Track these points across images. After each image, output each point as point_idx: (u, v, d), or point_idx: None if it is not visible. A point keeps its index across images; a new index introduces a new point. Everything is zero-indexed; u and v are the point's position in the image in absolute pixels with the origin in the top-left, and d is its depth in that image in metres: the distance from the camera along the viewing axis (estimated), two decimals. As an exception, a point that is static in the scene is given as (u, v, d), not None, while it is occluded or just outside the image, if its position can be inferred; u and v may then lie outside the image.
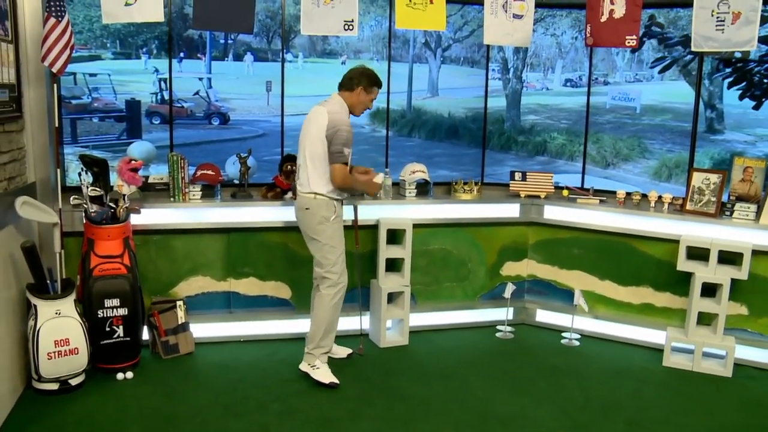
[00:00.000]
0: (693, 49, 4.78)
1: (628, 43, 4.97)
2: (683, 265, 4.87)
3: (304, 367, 4.42)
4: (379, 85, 4.40)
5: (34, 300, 4.02)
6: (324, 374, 4.35)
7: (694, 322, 4.82)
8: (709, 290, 4.83)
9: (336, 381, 4.31)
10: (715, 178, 4.97)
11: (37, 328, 3.96)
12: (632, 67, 5.58)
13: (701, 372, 4.76)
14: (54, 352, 3.99)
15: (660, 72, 5.42)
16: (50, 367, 3.99)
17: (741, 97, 5.14)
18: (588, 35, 5.12)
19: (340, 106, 4.30)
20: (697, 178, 5.03)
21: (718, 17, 4.60)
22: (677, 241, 4.92)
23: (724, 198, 4.97)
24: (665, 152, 5.47)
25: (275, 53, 5.28)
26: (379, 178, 4.65)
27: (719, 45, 4.67)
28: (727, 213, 4.90)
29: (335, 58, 5.42)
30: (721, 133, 5.25)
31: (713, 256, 4.74)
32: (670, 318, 5.12)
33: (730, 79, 5.17)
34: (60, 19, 4.18)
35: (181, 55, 5.09)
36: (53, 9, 4.15)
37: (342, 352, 4.76)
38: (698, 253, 4.85)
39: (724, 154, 5.24)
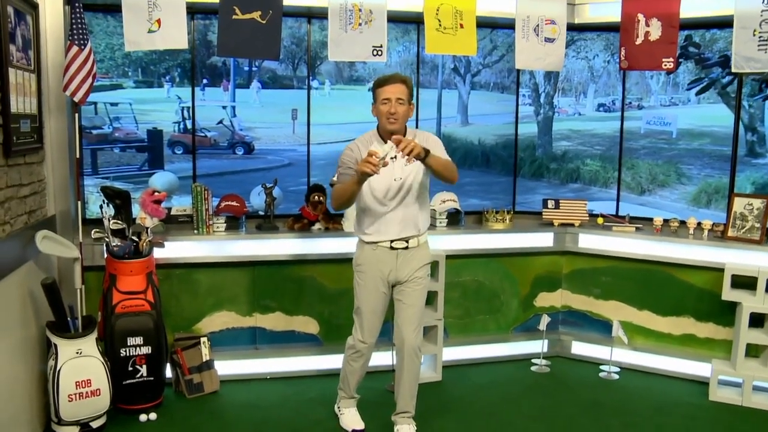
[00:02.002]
0: (734, 70, 4.61)
1: (665, 66, 4.82)
2: (728, 294, 4.66)
3: (336, 408, 4.25)
4: (379, 84, 3.72)
5: (54, 339, 3.85)
6: (347, 421, 4.13)
7: (743, 355, 4.60)
8: (757, 320, 4.63)
9: (359, 427, 4.08)
10: (758, 203, 4.78)
11: (57, 369, 3.79)
12: (667, 91, 5.42)
13: (752, 407, 4.52)
14: (75, 394, 3.81)
15: (697, 94, 5.26)
16: (71, 409, 3.81)
17: (782, 120, 4.98)
18: (623, 58, 4.97)
19: (369, 132, 3.89)
20: (739, 204, 4.85)
21: (760, 37, 4.44)
22: (719, 269, 4.73)
23: (769, 224, 4.77)
24: (704, 177, 5.29)
25: (301, 80, 5.15)
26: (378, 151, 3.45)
27: (762, 66, 4.50)
28: (773, 239, 4.72)
29: (362, 85, 5.28)
30: (763, 156, 5.07)
31: (761, 285, 4.54)
32: (713, 349, 4.91)
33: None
34: (82, 47, 4.08)
35: (204, 82, 4.97)
36: (76, 37, 4.05)
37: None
38: (743, 282, 4.65)
39: (767, 179, 5.04)
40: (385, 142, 3.58)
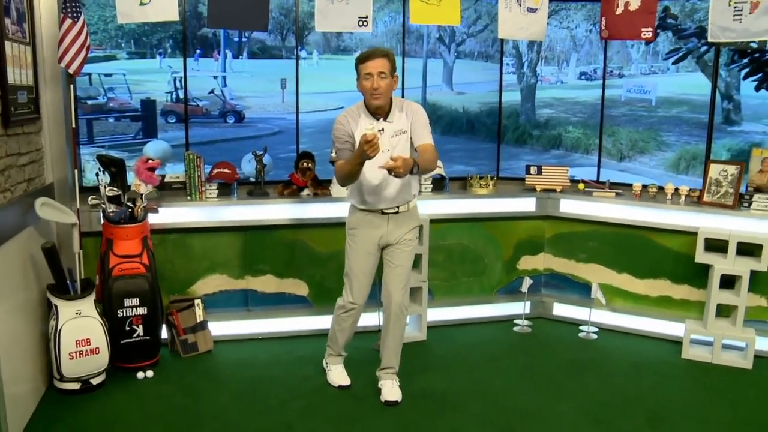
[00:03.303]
0: (710, 40, 4.74)
1: (644, 35, 4.94)
2: (701, 257, 4.83)
3: (324, 363, 4.44)
4: (361, 60, 3.78)
5: (54, 300, 4.03)
6: (333, 377, 4.32)
7: (713, 315, 4.79)
8: (728, 282, 4.81)
9: (345, 383, 4.28)
10: (732, 169, 4.93)
11: (58, 329, 3.97)
12: (647, 60, 5.54)
13: (721, 364, 4.73)
14: (75, 352, 4.00)
15: (674, 63, 5.38)
16: (72, 366, 4.01)
17: (757, 88, 5.10)
18: (603, 28, 5.10)
19: (356, 105, 3.97)
20: (715, 170, 4.99)
21: (736, 7, 4.56)
22: (695, 233, 4.88)
23: (743, 189, 4.92)
24: (682, 144, 5.43)
25: (289, 50, 5.27)
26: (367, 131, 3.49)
27: (737, 35, 4.63)
28: (746, 204, 4.86)
29: (350, 55, 5.39)
30: (738, 124, 5.21)
31: (732, 248, 4.71)
32: (688, 310, 5.09)
33: (747, 70, 5.13)
34: (76, 19, 4.18)
35: (198, 52, 5.09)
36: (69, 9, 4.16)
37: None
38: (716, 245, 4.82)
39: (742, 145, 5.19)
40: (373, 115, 3.75)
